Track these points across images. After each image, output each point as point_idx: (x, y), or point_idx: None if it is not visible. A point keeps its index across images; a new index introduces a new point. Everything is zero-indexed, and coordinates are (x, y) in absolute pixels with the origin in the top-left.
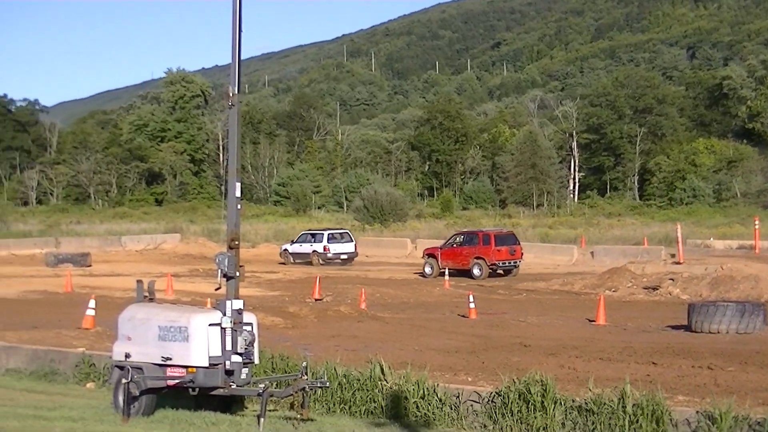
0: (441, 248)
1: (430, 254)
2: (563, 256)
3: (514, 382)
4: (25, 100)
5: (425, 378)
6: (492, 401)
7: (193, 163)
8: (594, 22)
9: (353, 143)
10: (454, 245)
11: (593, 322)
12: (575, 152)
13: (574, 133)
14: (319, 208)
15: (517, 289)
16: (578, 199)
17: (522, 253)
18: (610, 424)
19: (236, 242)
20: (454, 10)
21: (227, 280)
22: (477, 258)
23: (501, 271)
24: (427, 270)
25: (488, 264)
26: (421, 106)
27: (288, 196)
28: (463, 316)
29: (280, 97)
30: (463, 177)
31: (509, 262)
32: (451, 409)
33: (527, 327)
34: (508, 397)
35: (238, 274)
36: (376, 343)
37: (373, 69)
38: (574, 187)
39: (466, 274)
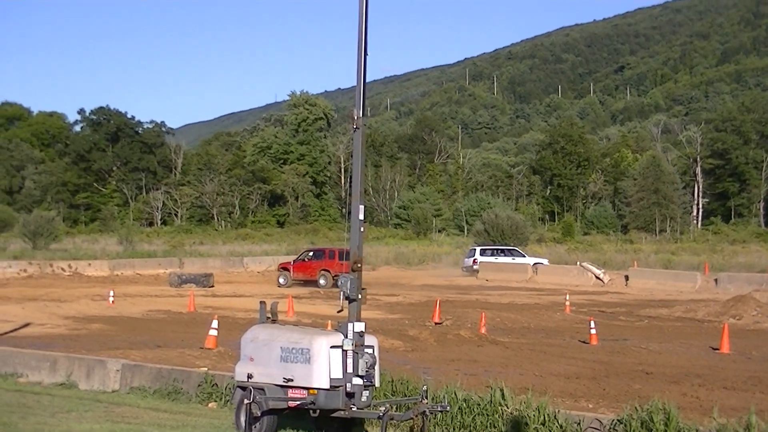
0: (293, 262)
1: (284, 268)
2: (686, 283)
3: (637, 410)
4: (152, 122)
5: (546, 404)
6: (614, 429)
7: (315, 185)
8: (720, 46)
9: (474, 167)
10: (305, 260)
11: (717, 351)
12: (699, 178)
13: (698, 159)
14: (439, 231)
15: (639, 315)
16: (702, 225)
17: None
18: None
19: (359, 265)
20: (577, 33)
21: (349, 303)
22: (323, 270)
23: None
24: (282, 280)
25: (332, 275)
26: (543, 130)
27: (409, 219)
28: (584, 342)
29: (402, 120)
30: (584, 202)
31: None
32: None
33: (649, 354)
34: (630, 425)
35: (360, 296)
36: (496, 368)
37: (495, 92)
38: (697, 213)
39: (314, 284)
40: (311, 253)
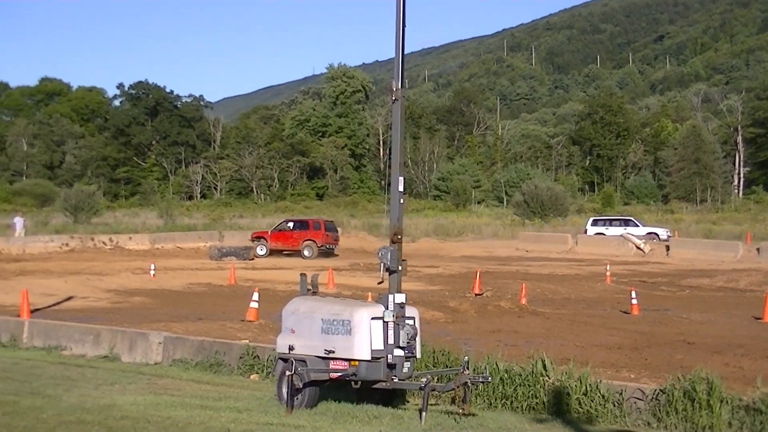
0: (270, 232)
1: (259, 237)
2: (727, 253)
3: (679, 380)
4: (190, 96)
5: (588, 374)
6: (656, 399)
7: (353, 158)
8: (761, 14)
9: (513, 138)
10: (285, 230)
11: (759, 320)
12: (740, 147)
13: (739, 127)
14: (478, 203)
15: (680, 285)
16: (743, 194)
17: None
18: None
19: (399, 236)
20: (616, 3)
21: (390, 274)
22: (308, 240)
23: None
24: (260, 251)
25: (318, 245)
26: (582, 101)
27: (448, 190)
28: (625, 312)
29: (440, 92)
30: (624, 172)
31: (330, 246)
32: (614, 406)
33: (691, 324)
34: (672, 395)
35: (400, 268)
36: (537, 339)
37: (534, 63)
38: (738, 182)
39: (296, 254)
40: (291, 224)
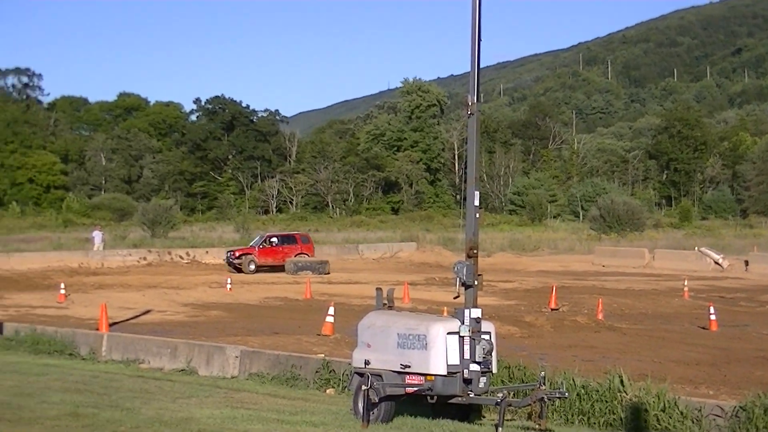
0: (258, 248)
1: (246, 253)
2: None
3: (760, 397)
4: (266, 110)
5: (666, 390)
6: (736, 416)
7: (428, 172)
8: None
9: (589, 152)
10: (271, 245)
11: None
12: None
13: None
14: (554, 217)
15: (759, 301)
16: None
17: None
18: None
19: (475, 251)
20: (693, 16)
21: (465, 289)
22: (299, 254)
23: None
24: (252, 267)
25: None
26: (659, 114)
27: (523, 205)
28: (703, 327)
29: (515, 106)
30: (702, 186)
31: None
32: (693, 423)
33: None
34: (753, 412)
35: (476, 282)
36: (613, 354)
37: (610, 77)
38: None
39: (280, 269)
40: (274, 239)
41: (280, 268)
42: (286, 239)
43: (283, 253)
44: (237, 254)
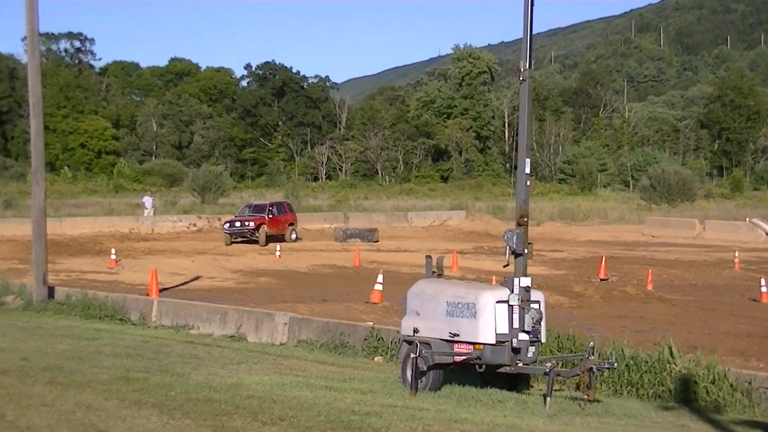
0: (269, 216)
1: (261, 223)
2: None
3: None
4: (316, 77)
5: (716, 362)
6: None
7: (478, 140)
8: None
9: (640, 121)
10: (275, 215)
11: None
12: None
13: None
14: (604, 186)
15: None
16: None
17: None
18: None
19: (525, 219)
20: None
21: (515, 257)
22: (291, 224)
23: None
24: (292, 236)
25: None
26: (712, 83)
27: (573, 174)
28: (754, 300)
29: (567, 73)
30: (754, 156)
31: None
32: (743, 395)
33: None
34: None
35: (526, 251)
36: (663, 325)
37: (662, 44)
38: None
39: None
40: (274, 208)
41: (280, 238)
42: (280, 208)
43: (283, 221)
44: (253, 224)
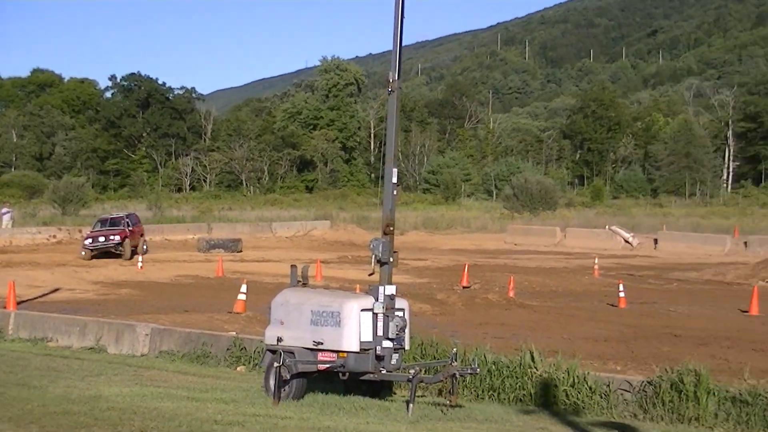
0: (129, 228)
1: (125, 237)
2: (715, 246)
3: (667, 372)
4: (182, 88)
5: (576, 366)
6: (643, 391)
7: (344, 151)
8: (755, 9)
9: (504, 131)
10: (132, 227)
11: (746, 313)
12: (731, 141)
13: (730, 122)
14: (468, 196)
15: (668, 278)
16: (732, 188)
17: None
18: (764, 415)
19: (391, 228)
20: None
21: (381, 266)
22: (141, 236)
23: None
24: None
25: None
26: (575, 95)
27: (438, 184)
28: (612, 305)
29: (433, 85)
30: (614, 166)
31: None
32: (602, 397)
33: (678, 317)
34: (660, 386)
35: (391, 260)
36: (524, 331)
37: (527, 57)
38: (728, 176)
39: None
40: (128, 220)
41: (134, 251)
42: (132, 219)
43: (137, 233)
44: (119, 238)
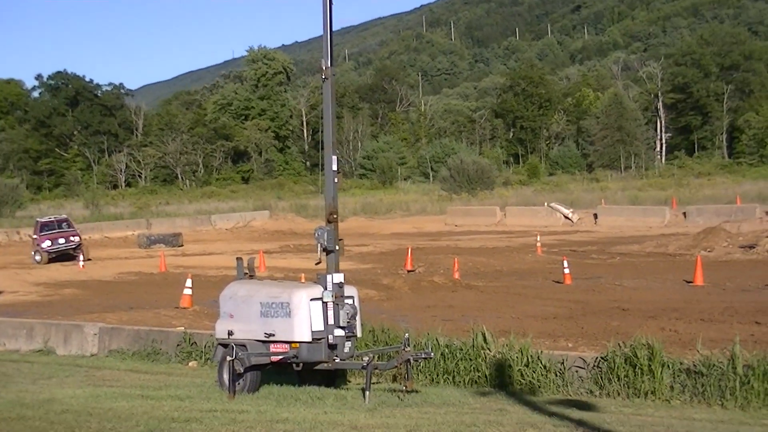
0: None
1: (80, 241)
2: (655, 218)
3: (620, 347)
4: (110, 84)
5: (528, 345)
6: (598, 367)
7: (277, 140)
8: None
9: (436, 113)
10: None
11: (691, 284)
12: (661, 113)
13: (660, 94)
14: (405, 179)
15: (610, 253)
16: (666, 160)
17: None
18: (720, 385)
19: (335, 215)
20: None
21: (327, 254)
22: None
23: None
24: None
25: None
26: (503, 74)
27: (373, 168)
28: (558, 282)
29: (361, 70)
30: (548, 143)
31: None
32: (557, 375)
33: (624, 291)
34: (614, 362)
35: (337, 247)
36: (472, 312)
37: (453, 38)
38: (661, 148)
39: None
40: (65, 224)
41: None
42: (68, 223)
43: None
44: (78, 239)
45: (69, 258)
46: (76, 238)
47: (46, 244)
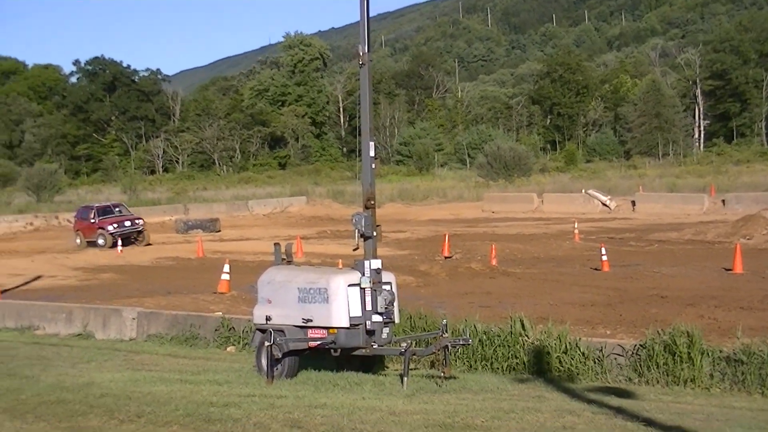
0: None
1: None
2: (693, 206)
3: (659, 334)
4: (147, 70)
5: (567, 332)
6: (636, 354)
7: (314, 126)
8: None
9: (473, 100)
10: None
11: (730, 271)
12: (699, 100)
13: (698, 81)
14: (441, 166)
15: (648, 240)
16: (704, 147)
17: None
18: (760, 374)
19: (372, 202)
20: None
21: (365, 240)
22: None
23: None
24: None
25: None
26: (540, 60)
27: (410, 155)
28: (595, 269)
29: (398, 56)
30: (585, 129)
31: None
32: (595, 363)
33: (662, 278)
34: (653, 349)
35: (375, 233)
36: (510, 299)
37: (490, 24)
38: (699, 135)
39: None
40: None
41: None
42: (125, 207)
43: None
44: (142, 222)
45: (129, 243)
46: (141, 221)
47: (111, 227)
